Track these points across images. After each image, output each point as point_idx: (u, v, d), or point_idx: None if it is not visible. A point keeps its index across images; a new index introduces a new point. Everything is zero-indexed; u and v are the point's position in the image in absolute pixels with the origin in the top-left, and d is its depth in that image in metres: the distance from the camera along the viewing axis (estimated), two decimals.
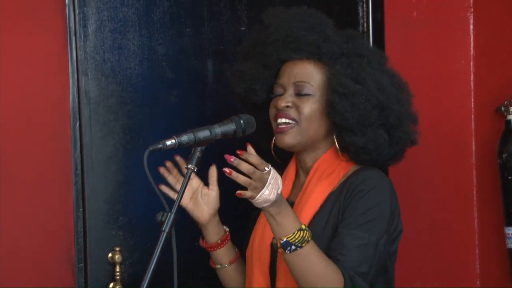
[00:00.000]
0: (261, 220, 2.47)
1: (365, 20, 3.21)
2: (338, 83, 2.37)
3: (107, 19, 2.84)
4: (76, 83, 2.80)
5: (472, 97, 3.30)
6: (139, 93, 2.89)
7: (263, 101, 2.51)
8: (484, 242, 3.29)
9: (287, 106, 2.40)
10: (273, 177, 2.17)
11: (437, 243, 3.31)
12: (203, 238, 2.53)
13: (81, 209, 2.80)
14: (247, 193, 2.15)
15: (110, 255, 2.83)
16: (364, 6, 3.20)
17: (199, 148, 2.17)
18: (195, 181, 2.47)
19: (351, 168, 2.44)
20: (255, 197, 2.16)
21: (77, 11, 2.78)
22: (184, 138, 2.15)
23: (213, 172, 2.49)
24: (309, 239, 2.22)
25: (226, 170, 2.12)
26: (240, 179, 2.13)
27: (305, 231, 2.21)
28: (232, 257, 2.54)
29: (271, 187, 2.16)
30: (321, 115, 2.40)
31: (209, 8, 2.99)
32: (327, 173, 2.42)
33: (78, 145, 2.80)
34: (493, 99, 3.20)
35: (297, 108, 2.40)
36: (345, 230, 2.29)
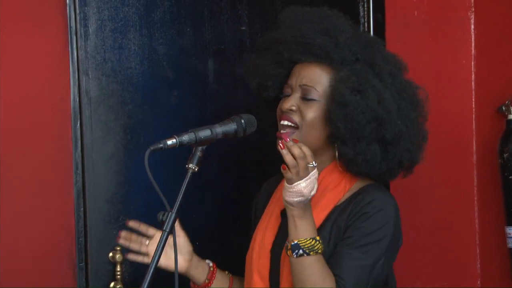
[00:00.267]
0: (262, 224, 2.47)
1: (366, 19, 3.21)
2: (337, 90, 2.33)
3: (108, 19, 2.84)
4: (77, 82, 2.80)
5: (473, 97, 3.30)
6: (139, 93, 2.89)
7: (274, 98, 2.49)
8: (485, 242, 3.29)
9: (291, 109, 2.37)
10: (314, 175, 2.23)
11: (437, 243, 3.31)
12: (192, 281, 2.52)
13: (82, 209, 2.80)
14: (289, 173, 2.21)
15: (111, 254, 2.83)
16: (365, 5, 3.20)
17: (200, 148, 2.17)
18: (159, 237, 2.24)
19: (357, 182, 2.41)
20: (293, 183, 2.21)
21: (77, 11, 2.78)
22: (185, 137, 2.15)
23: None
24: (319, 251, 2.24)
25: (281, 144, 2.20)
26: (289, 157, 2.20)
27: (318, 242, 2.24)
28: (227, 286, 2.54)
29: (309, 182, 2.21)
30: (323, 122, 2.36)
31: (209, 8, 2.99)
32: (332, 185, 2.39)
33: (79, 145, 2.80)
34: (494, 99, 3.20)
35: (301, 112, 2.37)
36: (344, 249, 2.28)
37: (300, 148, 2.21)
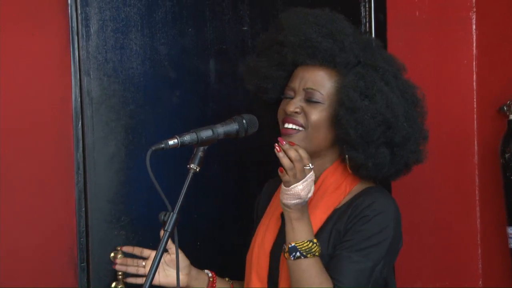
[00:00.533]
0: (262, 225, 2.47)
1: (367, 20, 3.21)
2: (346, 96, 2.33)
3: (109, 19, 2.84)
4: (78, 83, 2.80)
5: (475, 97, 3.30)
6: (141, 93, 2.89)
7: (274, 100, 2.49)
8: (486, 242, 3.29)
9: (296, 112, 2.37)
10: (310, 177, 2.24)
11: (439, 243, 3.31)
12: None
13: (83, 209, 2.80)
14: (286, 176, 2.21)
15: (112, 254, 2.83)
16: (367, 6, 3.20)
17: (201, 148, 2.17)
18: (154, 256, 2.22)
19: (358, 185, 2.41)
20: (290, 186, 2.21)
21: (79, 11, 2.78)
22: (187, 137, 2.15)
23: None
24: (316, 253, 2.24)
25: (277, 147, 2.21)
26: (285, 160, 2.21)
27: (315, 245, 2.25)
28: None
29: (306, 184, 2.21)
30: (328, 124, 2.36)
31: (211, 8, 2.99)
32: (332, 188, 2.39)
33: (81, 145, 2.80)
34: (496, 99, 3.20)
35: (305, 114, 2.36)
36: (343, 252, 2.28)
37: (297, 151, 2.22)
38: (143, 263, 2.49)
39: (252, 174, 3.05)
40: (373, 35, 3.20)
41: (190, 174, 2.15)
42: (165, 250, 2.42)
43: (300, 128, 2.36)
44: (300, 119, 2.36)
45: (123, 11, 2.86)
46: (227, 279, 2.57)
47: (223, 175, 3.02)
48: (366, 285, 2.27)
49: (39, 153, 2.76)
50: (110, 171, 2.84)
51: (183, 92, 2.96)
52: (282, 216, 2.39)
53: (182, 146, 2.14)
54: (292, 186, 2.21)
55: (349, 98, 2.32)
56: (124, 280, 2.52)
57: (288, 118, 2.37)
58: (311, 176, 2.23)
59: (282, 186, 2.23)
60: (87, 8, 2.80)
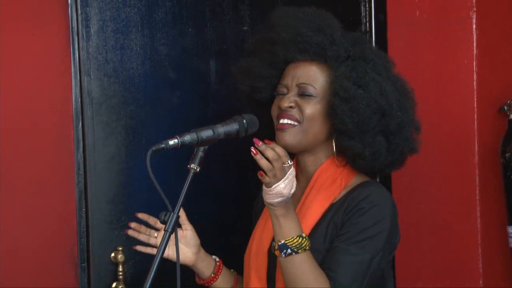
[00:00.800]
0: (260, 224, 2.47)
1: (367, 19, 3.21)
2: (340, 86, 2.35)
3: (110, 19, 2.84)
4: (78, 83, 2.80)
5: (475, 97, 3.30)
6: (141, 93, 2.89)
7: (266, 99, 2.50)
8: (487, 242, 3.29)
9: (290, 107, 2.38)
10: (291, 173, 2.22)
11: (439, 242, 3.31)
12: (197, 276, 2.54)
13: (83, 209, 2.80)
14: (266, 178, 2.19)
15: (112, 254, 2.83)
16: (367, 5, 3.20)
17: (201, 148, 2.17)
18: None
19: (354, 179, 2.42)
20: (271, 186, 2.19)
21: (79, 11, 2.78)
22: (187, 137, 2.15)
23: (180, 211, 2.48)
24: (307, 248, 2.23)
25: (253, 150, 2.18)
26: (263, 162, 2.18)
27: (305, 239, 2.24)
28: (232, 283, 2.55)
29: (287, 182, 2.20)
30: (323, 117, 2.38)
31: (211, 8, 2.99)
32: (328, 182, 2.40)
33: (81, 145, 2.80)
34: (496, 99, 3.20)
35: (300, 108, 2.38)
36: (341, 245, 2.28)
37: (274, 150, 2.20)
38: (155, 234, 2.48)
39: (252, 174, 3.03)
40: (373, 35, 3.20)
41: (191, 174, 2.15)
42: (179, 226, 2.43)
43: (295, 123, 2.37)
44: (295, 113, 2.38)
45: (123, 12, 2.86)
46: (232, 270, 2.57)
47: (224, 175, 3.02)
48: (364, 277, 2.27)
49: (39, 153, 2.77)
50: (111, 171, 2.85)
51: (183, 92, 2.96)
52: None
53: (182, 146, 2.14)
54: (273, 186, 2.20)
55: (343, 87, 2.34)
56: (133, 247, 2.50)
57: (282, 113, 2.39)
58: (291, 172, 2.22)
59: (264, 187, 2.23)
60: (87, 9, 2.80)
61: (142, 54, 2.89)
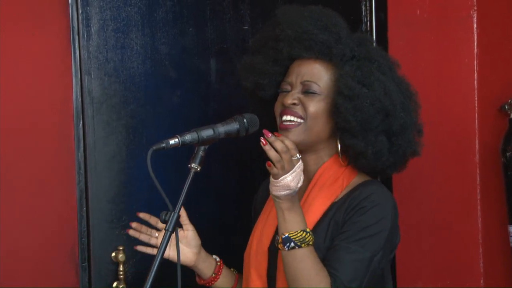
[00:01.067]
0: (260, 222, 2.47)
1: (368, 18, 3.21)
2: (344, 84, 2.35)
3: (110, 19, 2.84)
4: (79, 82, 2.80)
5: (476, 96, 3.29)
6: (142, 93, 2.89)
7: (270, 97, 2.50)
8: (488, 241, 3.29)
9: (294, 104, 2.38)
10: (299, 167, 2.24)
11: (440, 242, 3.31)
12: (198, 276, 2.55)
13: (84, 209, 2.80)
14: (274, 169, 2.21)
15: (113, 254, 2.83)
16: (367, 4, 3.20)
17: (202, 148, 2.17)
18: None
19: (355, 178, 2.42)
20: (279, 178, 2.21)
21: (80, 11, 2.78)
22: (188, 137, 2.15)
23: (181, 211, 2.47)
24: (310, 243, 2.24)
25: (263, 141, 2.20)
26: (272, 153, 2.20)
27: (308, 234, 2.25)
28: (233, 283, 2.56)
29: (295, 175, 2.22)
30: (326, 115, 2.38)
31: (212, 7, 2.99)
32: (330, 181, 2.40)
33: (82, 145, 2.80)
34: (497, 98, 3.20)
35: (304, 105, 2.38)
36: (342, 243, 2.28)
37: (283, 142, 2.22)
38: (156, 234, 2.49)
39: (253, 173, 3.05)
40: (374, 34, 3.20)
41: (191, 174, 2.15)
42: (179, 226, 2.45)
43: (300, 120, 2.38)
44: (299, 110, 2.38)
45: (124, 11, 2.86)
46: (232, 269, 2.57)
47: (224, 175, 3.02)
48: (364, 275, 2.27)
49: (40, 153, 2.76)
50: (111, 170, 2.85)
51: (184, 91, 2.96)
52: None
53: (183, 145, 2.14)
54: (281, 178, 2.21)
55: (348, 86, 2.35)
56: (134, 247, 2.50)
57: (286, 110, 2.39)
58: (299, 166, 2.24)
59: (271, 178, 2.24)
60: (88, 8, 2.80)
61: (143, 53, 2.89)
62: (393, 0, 3.23)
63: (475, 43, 3.29)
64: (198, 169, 2.16)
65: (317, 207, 2.36)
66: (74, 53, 2.79)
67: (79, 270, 2.80)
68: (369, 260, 2.28)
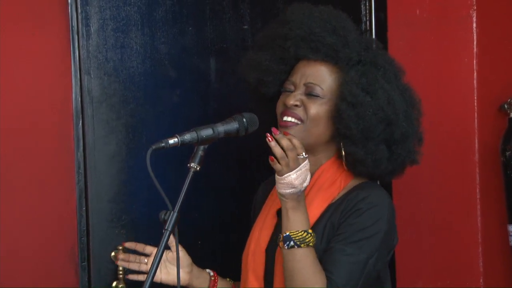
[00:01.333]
0: (258, 223, 2.47)
1: (367, 18, 3.21)
2: (348, 91, 2.34)
3: (110, 18, 2.84)
4: (78, 82, 2.80)
5: (475, 95, 3.29)
6: (141, 92, 2.89)
7: (273, 94, 2.48)
8: (487, 241, 3.29)
9: (296, 105, 2.37)
10: (305, 166, 2.23)
11: (439, 242, 3.31)
12: None
13: (84, 208, 2.81)
14: (278, 165, 2.20)
15: (113, 253, 2.83)
16: (367, 4, 3.20)
17: (201, 147, 2.17)
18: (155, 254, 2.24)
19: (352, 180, 2.42)
20: (283, 175, 2.20)
21: (79, 10, 2.78)
22: (187, 136, 2.15)
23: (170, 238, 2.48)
24: (310, 244, 2.24)
25: (269, 137, 2.20)
26: (277, 149, 2.20)
27: (310, 235, 2.24)
28: None
29: (300, 173, 2.21)
30: (327, 119, 2.37)
31: (211, 7, 2.99)
32: (328, 183, 2.40)
33: (81, 144, 2.80)
34: (496, 97, 3.20)
35: (305, 108, 2.37)
36: (337, 245, 2.28)
37: (290, 140, 2.22)
38: (145, 260, 2.49)
39: (252, 172, 3.05)
40: (373, 34, 3.20)
41: (191, 173, 2.15)
42: (167, 248, 2.43)
43: (299, 122, 2.37)
44: (299, 112, 2.37)
45: (123, 10, 2.86)
46: (228, 279, 2.57)
47: (224, 174, 3.02)
48: (359, 277, 2.27)
49: (40, 152, 2.77)
50: (111, 170, 2.85)
51: (183, 91, 2.96)
52: (278, 213, 2.39)
53: (182, 145, 2.14)
54: (285, 175, 2.21)
55: (352, 93, 2.33)
56: (126, 277, 2.52)
57: (287, 111, 2.38)
58: (305, 165, 2.23)
59: (276, 176, 2.23)
60: (87, 7, 2.80)
61: (142, 52, 2.89)
62: (393, 0, 3.23)
63: (475, 43, 3.29)
64: (198, 168, 2.16)
65: (315, 208, 2.36)
66: (74, 52, 2.79)
67: (79, 270, 2.80)
68: (364, 262, 2.27)
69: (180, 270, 2.45)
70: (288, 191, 2.22)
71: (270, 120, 2.42)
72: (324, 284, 2.22)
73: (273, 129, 2.23)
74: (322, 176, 2.40)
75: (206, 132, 2.18)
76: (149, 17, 2.89)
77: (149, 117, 2.90)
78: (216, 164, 2.94)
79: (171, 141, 2.12)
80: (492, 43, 3.27)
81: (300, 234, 2.23)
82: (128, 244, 2.50)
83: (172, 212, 2.10)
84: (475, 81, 3.29)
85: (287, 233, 2.24)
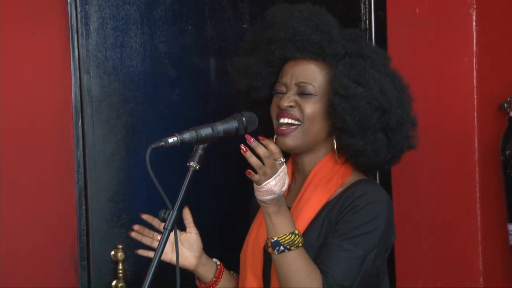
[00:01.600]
0: (256, 222, 2.47)
1: (367, 17, 3.21)
2: (340, 84, 2.35)
3: (109, 17, 2.84)
4: (78, 81, 2.80)
5: (475, 94, 3.30)
6: (141, 91, 2.89)
7: (264, 98, 2.49)
8: (487, 240, 3.29)
9: (291, 106, 2.38)
10: (283, 171, 2.20)
11: (439, 241, 3.31)
12: (198, 280, 2.54)
13: (83, 207, 2.80)
14: (255, 176, 2.17)
15: (112, 253, 2.83)
16: (367, 3, 3.20)
17: (201, 146, 2.17)
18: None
19: (350, 177, 2.42)
20: (261, 184, 2.18)
21: (79, 9, 2.78)
22: (186, 135, 2.15)
23: (187, 214, 2.48)
24: (300, 244, 2.23)
25: (243, 148, 2.15)
26: (253, 159, 2.16)
27: (297, 236, 2.23)
28: (233, 286, 2.55)
29: (278, 179, 2.18)
30: (323, 115, 2.38)
31: (211, 6, 2.99)
32: (325, 180, 2.40)
33: (81, 143, 2.80)
34: (496, 96, 3.20)
35: (300, 108, 2.38)
36: (334, 241, 2.28)
37: (267, 146, 2.18)
38: (158, 237, 2.47)
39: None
40: (373, 33, 3.20)
41: (190, 172, 2.15)
42: (183, 230, 2.44)
43: (297, 122, 2.37)
44: (295, 112, 2.38)
45: (123, 9, 2.86)
46: (232, 272, 2.57)
47: (223, 173, 3.02)
48: (357, 273, 2.26)
49: (39, 152, 2.76)
50: (111, 169, 2.85)
51: (183, 90, 2.96)
52: None
53: (182, 144, 2.14)
54: (264, 183, 2.18)
55: (343, 86, 2.34)
56: (135, 252, 2.49)
57: (283, 112, 2.38)
58: (283, 170, 2.20)
59: (254, 184, 2.21)
60: (87, 6, 2.80)
61: (142, 52, 2.89)
62: None
63: (474, 42, 3.29)
64: (197, 167, 2.16)
65: (312, 205, 2.36)
66: (73, 51, 2.79)
67: (79, 269, 2.80)
68: (362, 258, 2.27)
69: (190, 254, 2.48)
70: (268, 197, 2.20)
71: (265, 124, 2.42)
72: (320, 283, 2.21)
73: (247, 137, 2.18)
74: (319, 172, 2.41)
75: (206, 131, 2.18)
76: (149, 16, 2.89)
77: (148, 116, 2.90)
78: (215, 163, 2.94)
79: (170, 140, 2.12)
80: (492, 42, 3.27)
81: (288, 237, 2.22)
82: (146, 217, 2.48)
83: (172, 211, 2.10)
84: (474, 80, 3.29)
85: (275, 239, 2.22)
